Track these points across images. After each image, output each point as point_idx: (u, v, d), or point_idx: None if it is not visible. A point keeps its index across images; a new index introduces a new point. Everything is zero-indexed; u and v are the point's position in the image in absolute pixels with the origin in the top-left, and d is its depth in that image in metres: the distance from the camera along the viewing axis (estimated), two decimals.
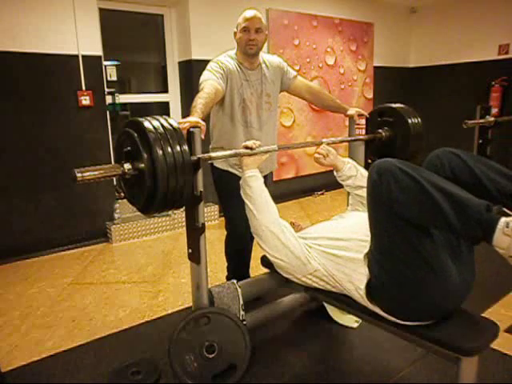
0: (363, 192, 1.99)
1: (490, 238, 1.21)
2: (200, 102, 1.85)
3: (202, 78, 2.08)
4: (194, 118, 1.69)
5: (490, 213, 1.21)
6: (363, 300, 1.49)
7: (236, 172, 2.23)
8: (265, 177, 2.08)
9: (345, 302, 1.61)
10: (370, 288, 1.46)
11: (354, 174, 1.98)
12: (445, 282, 1.32)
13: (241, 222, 2.24)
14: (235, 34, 2.20)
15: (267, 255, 1.72)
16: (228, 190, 2.27)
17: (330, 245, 1.63)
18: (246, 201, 1.72)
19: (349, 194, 2.12)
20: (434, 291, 1.33)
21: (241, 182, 1.76)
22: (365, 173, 2.00)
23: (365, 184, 1.99)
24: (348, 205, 2.13)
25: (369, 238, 1.49)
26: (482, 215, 1.20)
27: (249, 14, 2.14)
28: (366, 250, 1.49)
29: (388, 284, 1.38)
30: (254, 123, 2.24)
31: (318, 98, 2.43)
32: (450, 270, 1.33)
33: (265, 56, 2.31)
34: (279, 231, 1.65)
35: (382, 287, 1.41)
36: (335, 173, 2.03)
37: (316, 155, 1.99)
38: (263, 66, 2.26)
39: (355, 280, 1.51)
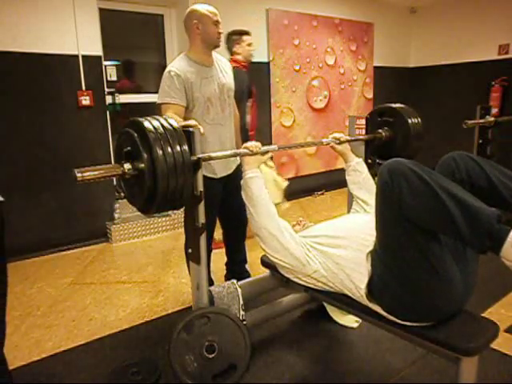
0: (363, 194, 2.01)
1: (498, 249, 1.19)
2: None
3: (160, 100, 2.07)
4: (193, 121, 1.72)
5: (500, 224, 1.19)
6: (363, 299, 1.49)
7: (210, 175, 2.20)
8: (237, 177, 2.00)
9: (345, 302, 1.60)
10: (372, 287, 1.46)
11: (360, 170, 2.06)
12: (448, 286, 1.32)
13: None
14: (196, 27, 2.12)
15: (268, 255, 1.72)
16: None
17: (330, 243, 1.63)
18: (246, 202, 1.73)
19: (349, 196, 2.13)
20: (437, 294, 1.33)
21: (242, 183, 1.76)
22: (369, 175, 2.08)
23: (365, 185, 2.02)
24: (348, 207, 2.14)
25: (370, 238, 1.49)
26: (492, 226, 1.18)
27: (211, 7, 2.15)
28: (367, 249, 1.49)
29: (391, 284, 1.38)
30: (219, 119, 2.22)
31: None
32: (455, 275, 1.33)
33: (214, 54, 2.29)
34: (278, 233, 1.66)
35: (385, 286, 1.41)
36: (344, 165, 2.12)
37: (335, 135, 2.08)
38: (219, 62, 2.27)
39: (355, 279, 1.51)
